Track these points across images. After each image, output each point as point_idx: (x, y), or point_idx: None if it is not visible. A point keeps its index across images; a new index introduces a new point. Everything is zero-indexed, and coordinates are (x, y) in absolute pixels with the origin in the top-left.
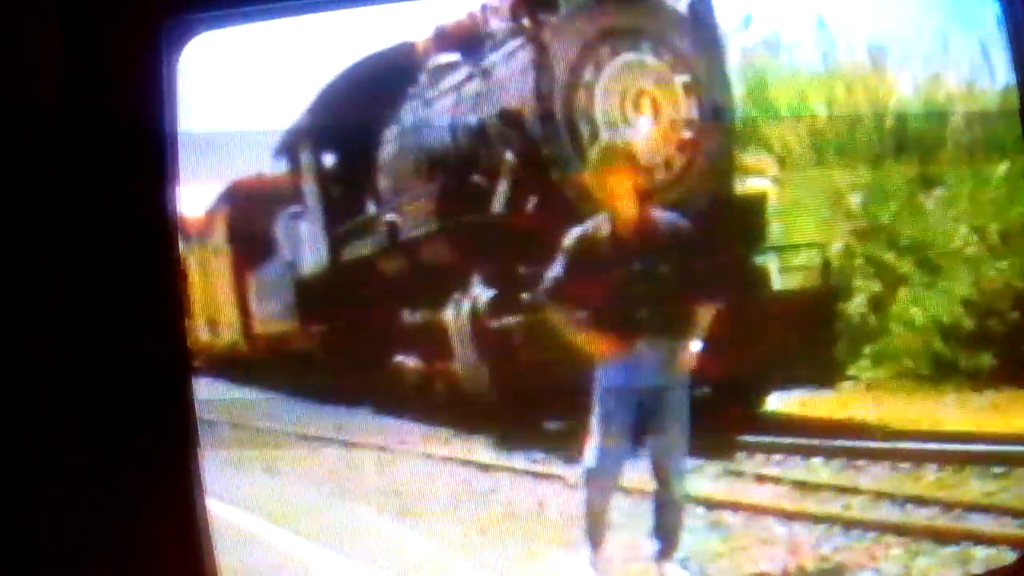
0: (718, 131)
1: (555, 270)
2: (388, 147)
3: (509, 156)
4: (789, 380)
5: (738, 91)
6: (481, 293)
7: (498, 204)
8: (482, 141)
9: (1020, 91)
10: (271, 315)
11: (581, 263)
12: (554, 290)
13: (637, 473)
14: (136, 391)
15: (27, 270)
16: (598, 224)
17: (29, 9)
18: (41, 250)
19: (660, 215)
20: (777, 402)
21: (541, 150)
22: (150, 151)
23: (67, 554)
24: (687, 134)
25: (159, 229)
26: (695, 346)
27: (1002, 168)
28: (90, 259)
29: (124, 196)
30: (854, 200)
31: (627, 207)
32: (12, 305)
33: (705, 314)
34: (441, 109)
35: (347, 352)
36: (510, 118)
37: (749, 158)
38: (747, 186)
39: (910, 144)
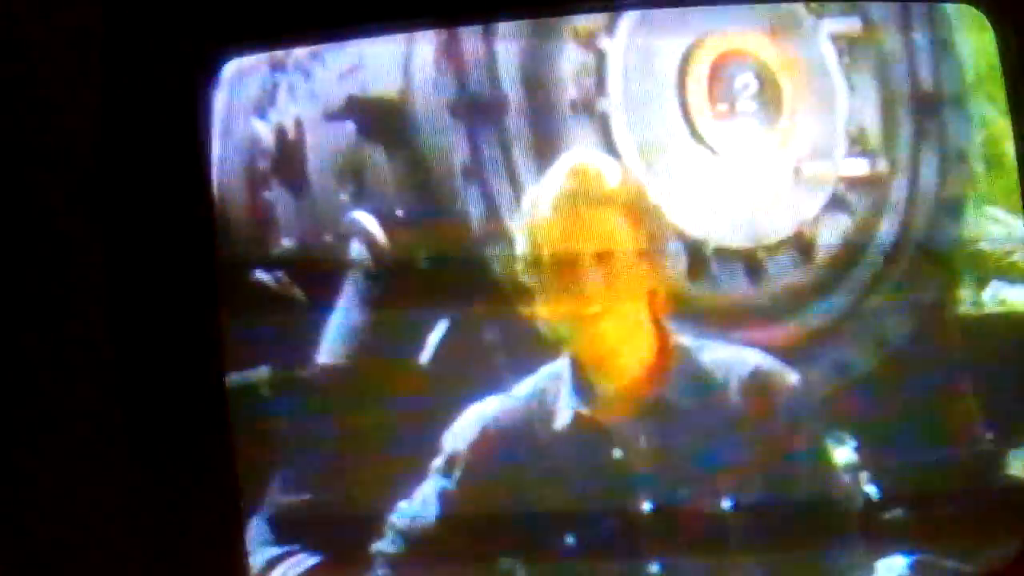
0: (928, 161)
1: (421, 508)
2: None
3: (372, 230)
4: None
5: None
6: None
7: (328, 348)
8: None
9: None
10: None
11: (502, 486)
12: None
13: None
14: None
15: (62, 311)
16: (546, 388)
17: (70, 52)
18: (77, 292)
19: (714, 355)
20: None
21: (459, 205)
22: (196, 187)
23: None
24: (851, 168)
25: (201, 267)
26: None
27: None
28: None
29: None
30: None
31: (629, 337)
32: (47, 349)
33: None
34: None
35: None
36: (381, 125)
37: (994, 232)
38: (1001, 295)
39: None
